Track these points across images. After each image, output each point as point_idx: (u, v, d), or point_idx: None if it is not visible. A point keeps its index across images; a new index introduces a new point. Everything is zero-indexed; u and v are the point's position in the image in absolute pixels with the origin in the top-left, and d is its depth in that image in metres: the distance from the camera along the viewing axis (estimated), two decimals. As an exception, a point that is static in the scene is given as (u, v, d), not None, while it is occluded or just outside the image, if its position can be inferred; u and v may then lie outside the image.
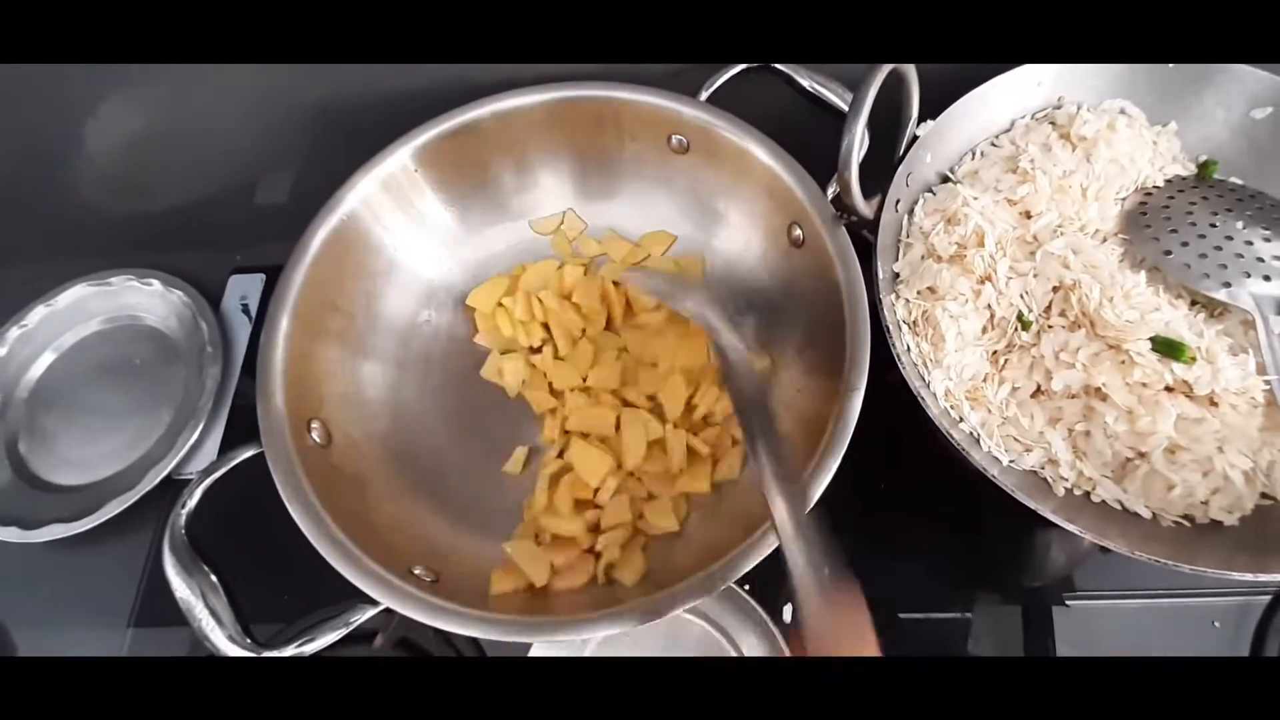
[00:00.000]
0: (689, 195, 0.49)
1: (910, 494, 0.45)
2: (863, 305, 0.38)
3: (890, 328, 0.38)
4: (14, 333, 0.57)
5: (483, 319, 0.49)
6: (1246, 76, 0.42)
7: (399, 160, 0.44)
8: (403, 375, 0.46)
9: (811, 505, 0.33)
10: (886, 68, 0.37)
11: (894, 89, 0.41)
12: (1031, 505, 0.32)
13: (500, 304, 0.48)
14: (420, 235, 0.48)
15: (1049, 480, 0.37)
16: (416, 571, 0.36)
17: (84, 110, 0.54)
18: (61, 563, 0.50)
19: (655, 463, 0.42)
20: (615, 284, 0.49)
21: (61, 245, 0.59)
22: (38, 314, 0.57)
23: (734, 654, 0.39)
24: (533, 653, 0.39)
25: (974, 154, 0.46)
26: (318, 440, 0.39)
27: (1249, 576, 0.31)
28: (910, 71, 0.40)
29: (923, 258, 0.41)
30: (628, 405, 0.45)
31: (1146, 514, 0.35)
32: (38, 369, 0.58)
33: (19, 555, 0.48)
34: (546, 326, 0.47)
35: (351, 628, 0.33)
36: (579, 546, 0.40)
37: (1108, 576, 0.42)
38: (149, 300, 0.59)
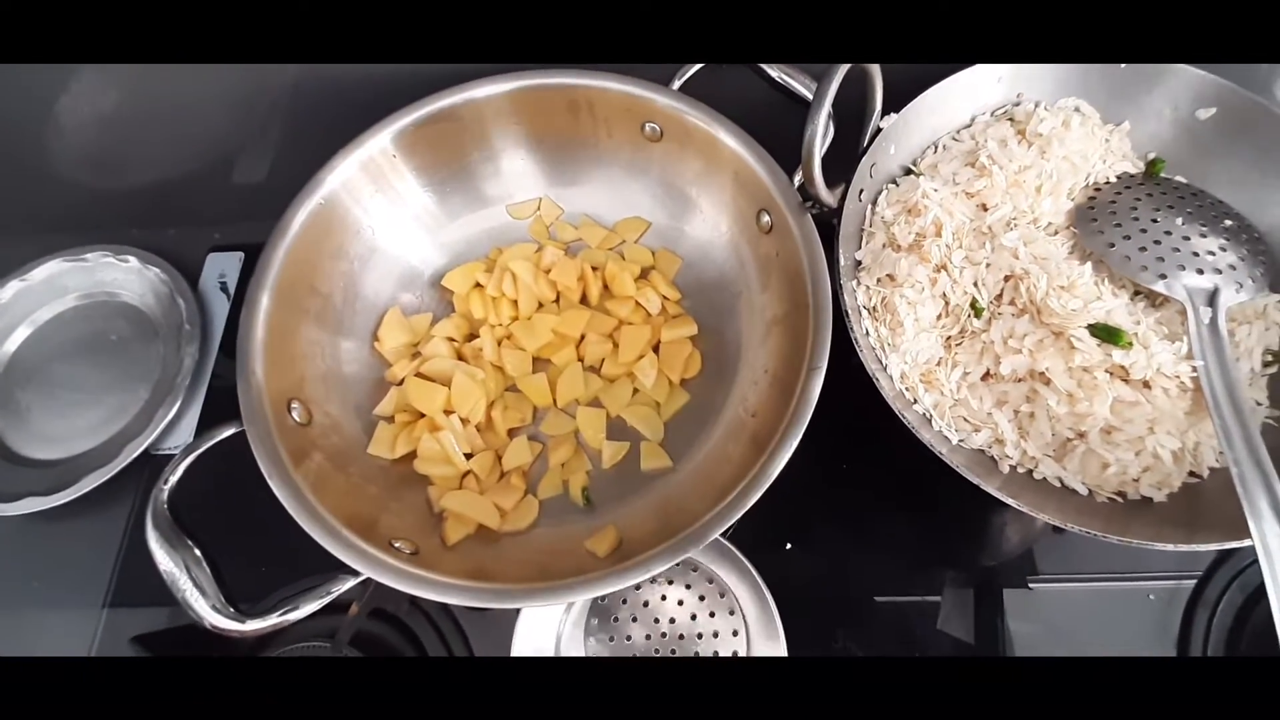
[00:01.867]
0: (662, 182, 0.50)
1: (873, 474, 0.48)
2: (826, 290, 0.39)
3: (850, 312, 0.40)
4: (-13, 307, 0.56)
5: (459, 300, 0.50)
6: (1192, 78, 0.45)
7: (379, 144, 0.45)
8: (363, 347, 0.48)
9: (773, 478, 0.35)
10: (840, 73, 0.38)
11: (859, 82, 0.43)
12: (977, 482, 0.35)
13: (477, 284, 0.49)
14: (399, 218, 0.49)
15: (995, 459, 0.39)
16: (397, 545, 0.37)
17: (57, 85, 0.53)
18: (37, 536, 0.50)
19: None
20: (593, 267, 0.50)
21: (37, 221, 0.59)
22: (11, 288, 0.57)
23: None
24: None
25: (935, 147, 0.48)
26: (298, 420, 0.40)
27: (1176, 547, 0.33)
28: (874, 67, 0.42)
29: (883, 246, 0.43)
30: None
31: (1083, 490, 0.38)
32: (12, 344, 0.57)
33: (-8, 528, 0.48)
34: (516, 305, 0.49)
35: (332, 597, 0.34)
36: (519, 489, 0.43)
37: (1065, 559, 0.45)
38: (125, 277, 0.59)
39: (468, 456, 0.44)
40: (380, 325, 0.48)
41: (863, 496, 0.47)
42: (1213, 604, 0.43)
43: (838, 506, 0.47)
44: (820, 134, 0.38)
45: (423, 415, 0.44)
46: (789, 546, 0.46)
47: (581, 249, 0.52)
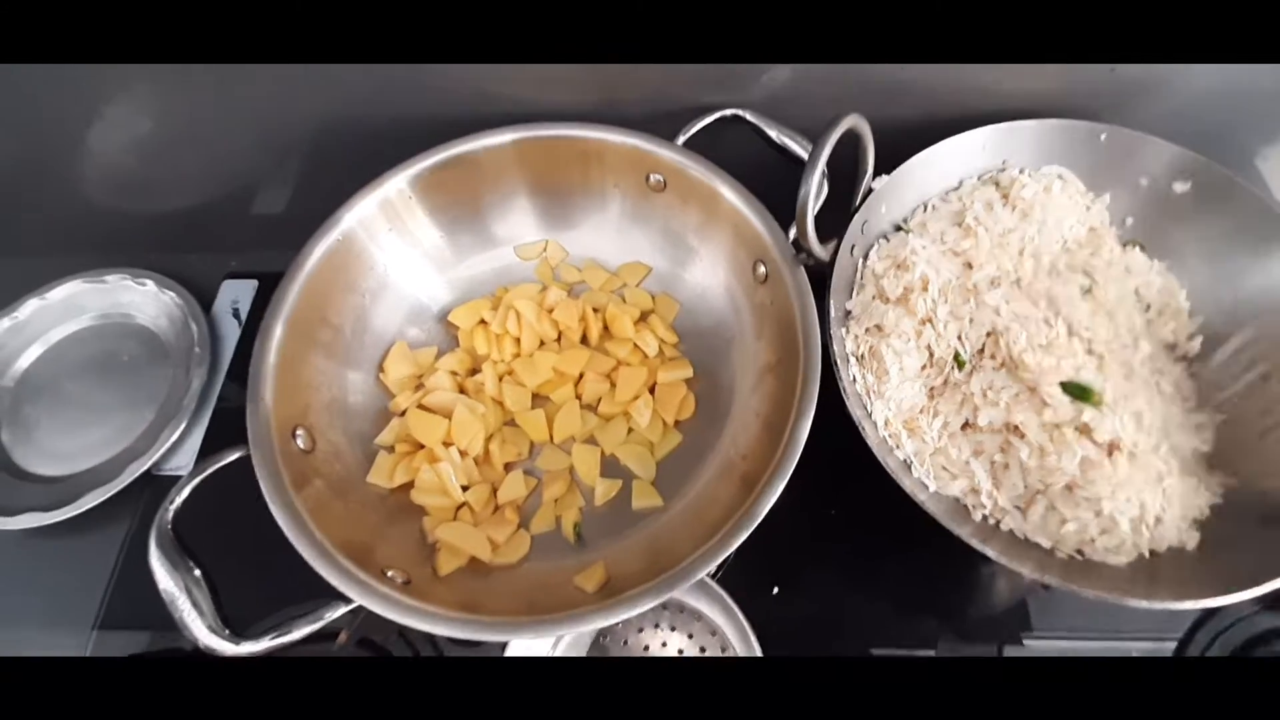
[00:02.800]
0: (664, 230, 0.52)
1: (859, 519, 0.48)
2: (816, 340, 0.41)
3: (839, 360, 0.42)
4: (4, 323, 0.58)
5: (464, 336, 0.51)
6: (1169, 151, 0.47)
7: (396, 185, 0.47)
8: (369, 378, 0.49)
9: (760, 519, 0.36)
10: (842, 126, 0.41)
11: (853, 145, 0.46)
12: (951, 528, 0.36)
13: (482, 320, 0.51)
14: (411, 255, 0.51)
15: (969, 507, 0.41)
16: (390, 574, 0.38)
17: (92, 111, 0.56)
18: (34, 552, 0.51)
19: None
20: (595, 309, 0.52)
21: (62, 242, 0.61)
22: (30, 306, 0.59)
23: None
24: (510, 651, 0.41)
25: (925, 207, 0.50)
26: (302, 446, 0.41)
27: (1137, 603, 0.34)
28: (865, 129, 0.44)
29: (873, 298, 0.45)
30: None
31: (1046, 544, 0.39)
32: (25, 360, 0.59)
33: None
34: (519, 342, 0.50)
35: (324, 623, 0.35)
36: (512, 523, 0.44)
37: (1059, 616, 0.45)
38: (142, 299, 0.61)
39: (464, 489, 0.45)
40: (386, 357, 0.49)
41: (849, 541, 0.48)
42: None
43: (824, 551, 0.47)
44: (814, 192, 0.40)
45: (422, 446, 0.46)
46: (775, 590, 0.46)
47: (584, 291, 0.54)
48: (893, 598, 0.47)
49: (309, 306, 0.44)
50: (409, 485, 0.45)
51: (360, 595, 0.35)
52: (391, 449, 0.46)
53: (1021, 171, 0.50)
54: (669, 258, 0.53)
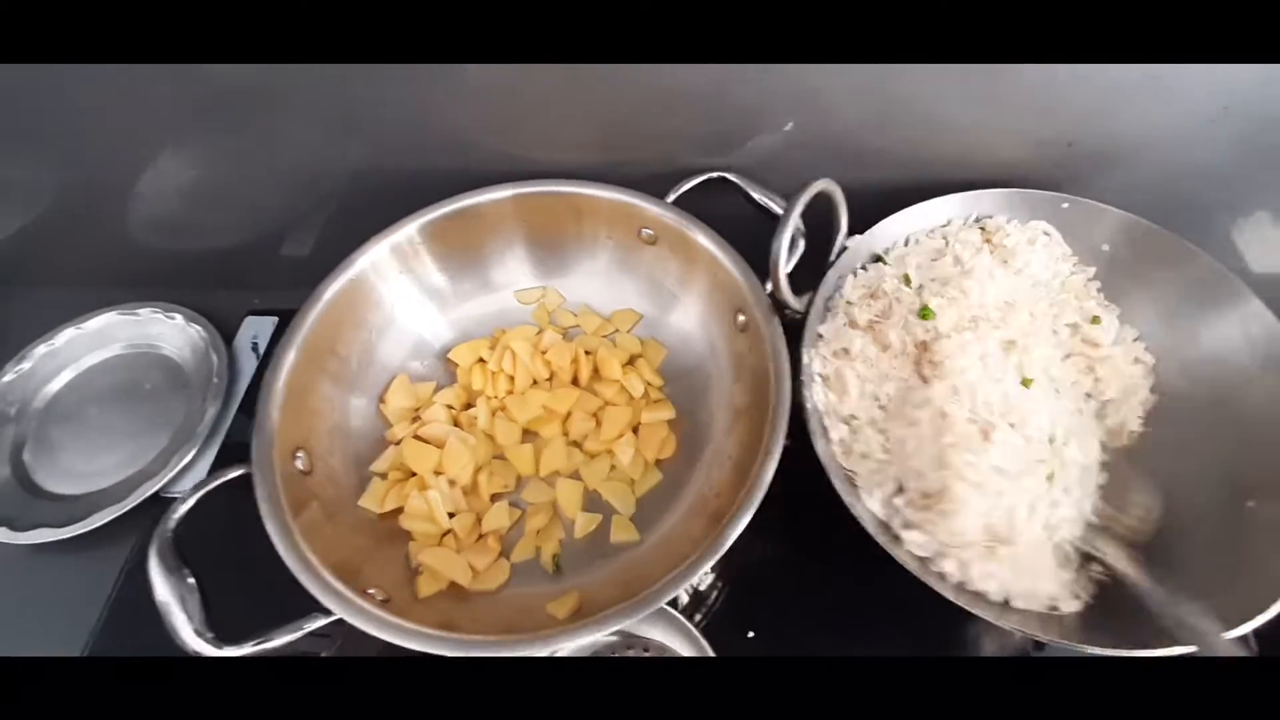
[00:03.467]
0: (652, 280, 0.56)
1: (833, 571, 0.50)
2: (786, 388, 0.43)
3: (805, 378, 0.45)
4: (41, 349, 0.63)
5: (462, 372, 0.54)
6: (1122, 220, 0.50)
7: (407, 233, 0.52)
8: (371, 407, 0.52)
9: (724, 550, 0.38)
10: (812, 190, 0.45)
11: (830, 207, 0.49)
12: (885, 547, 0.38)
13: (480, 359, 0.54)
14: (417, 296, 0.55)
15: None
16: (371, 591, 0.40)
17: (144, 159, 0.62)
18: (39, 567, 0.53)
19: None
20: (586, 352, 0.55)
21: (102, 275, 0.66)
22: (66, 335, 0.63)
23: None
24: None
25: (908, 240, 0.53)
26: (301, 468, 0.44)
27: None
28: (837, 192, 0.48)
29: (844, 324, 0.48)
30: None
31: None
32: (56, 384, 0.63)
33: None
34: (512, 380, 0.53)
35: (304, 632, 0.37)
36: (493, 551, 0.46)
37: None
38: (170, 331, 0.65)
39: (451, 516, 0.47)
40: (388, 389, 0.52)
41: (823, 590, 0.49)
42: None
43: (797, 598, 0.48)
44: (785, 248, 0.44)
45: (414, 474, 0.48)
46: (750, 635, 0.47)
47: (579, 334, 0.57)
48: (868, 643, 0.47)
49: (320, 338, 0.47)
50: (399, 511, 0.47)
51: (339, 608, 0.37)
52: (385, 476, 0.49)
53: (1009, 220, 0.52)
54: (657, 305, 0.57)
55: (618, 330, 0.57)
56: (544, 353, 0.54)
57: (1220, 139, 0.48)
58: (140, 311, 0.66)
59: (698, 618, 0.47)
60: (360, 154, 0.57)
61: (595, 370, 0.54)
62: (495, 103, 0.51)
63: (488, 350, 0.55)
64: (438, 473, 0.48)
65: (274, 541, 0.39)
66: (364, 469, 0.49)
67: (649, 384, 0.54)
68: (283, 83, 0.49)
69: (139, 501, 0.54)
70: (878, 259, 0.53)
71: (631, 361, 0.55)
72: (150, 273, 0.68)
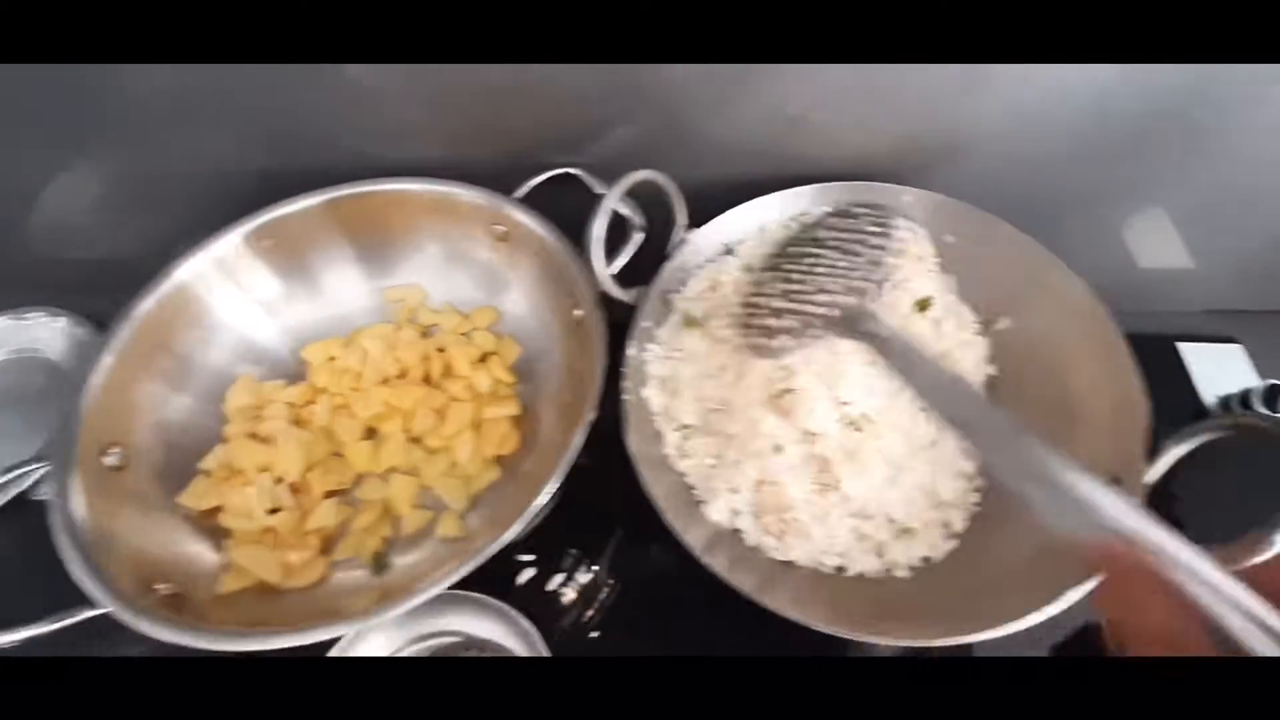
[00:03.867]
0: (507, 276, 0.56)
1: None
2: (597, 382, 0.43)
3: (632, 376, 0.45)
4: (-76, 357, 0.63)
5: (312, 371, 0.54)
6: (959, 208, 0.50)
7: (230, 241, 0.51)
8: (208, 408, 0.51)
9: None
10: (630, 179, 0.45)
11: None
12: (668, 522, 0.38)
13: (332, 357, 0.54)
14: (250, 302, 0.54)
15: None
16: (157, 586, 0.39)
17: (38, 164, 0.62)
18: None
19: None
20: (439, 349, 0.54)
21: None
22: (-48, 341, 0.64)
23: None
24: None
25: (762, 229, 0.52)
26: (113, 464, 0.44)
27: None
28: (669, 185, 0.48)
29: (678, 321, 0.48)
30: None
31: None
32: (-65, 394, 0.63)
33: None
34: (359, 377, 0.53)
35: (65, 623, 0.36)
36: (312, 548, 0.45)
37: None
38: (53, 335, 0.65)
39: (276, 512, 0.47)
40: (230, 388, 0.52)
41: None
42: None
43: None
44: (599, 237, 0.44)
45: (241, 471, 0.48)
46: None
47: (438, 331, 0.57)
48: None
49: (146, 339, 0.47)
50: (221, 509, 0.47)
51: (108, 601, 0.36)
52: (211, 473, 0.48)
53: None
54: (513, 301, 0.56)
55: (476, 328, 0.56)
56: (396, 350, 0.54)
57: (1054, 133, 0.48)
58: (28, 316, 0.66)
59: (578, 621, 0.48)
60: (227, 154, 0.57)
61: (448, 367, 0.54)
62: (349, 102, 0.51)
63: (341, 348, 0.54)
64: (265, 469, 0.47)
65: (53, 531, 0.38)
66: (193, 467, 0.49)
67: (498, 380, 0.53)
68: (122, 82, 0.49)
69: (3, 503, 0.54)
70: (729, 250, 0.52)
71: (484, 359, 0.54)
72: (46, 279, 0.68)
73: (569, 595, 0.50)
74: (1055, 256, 0.47)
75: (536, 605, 0.45)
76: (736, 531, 0.43)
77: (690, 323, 0.47)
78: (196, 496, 0.46)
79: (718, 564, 0.38)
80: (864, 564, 0.41)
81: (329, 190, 0.52)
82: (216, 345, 0.52)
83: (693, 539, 0.39)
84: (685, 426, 0.44)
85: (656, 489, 0.40)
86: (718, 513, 0.42)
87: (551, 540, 0.51)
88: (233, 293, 0.52)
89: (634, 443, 0.42)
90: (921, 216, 0.51)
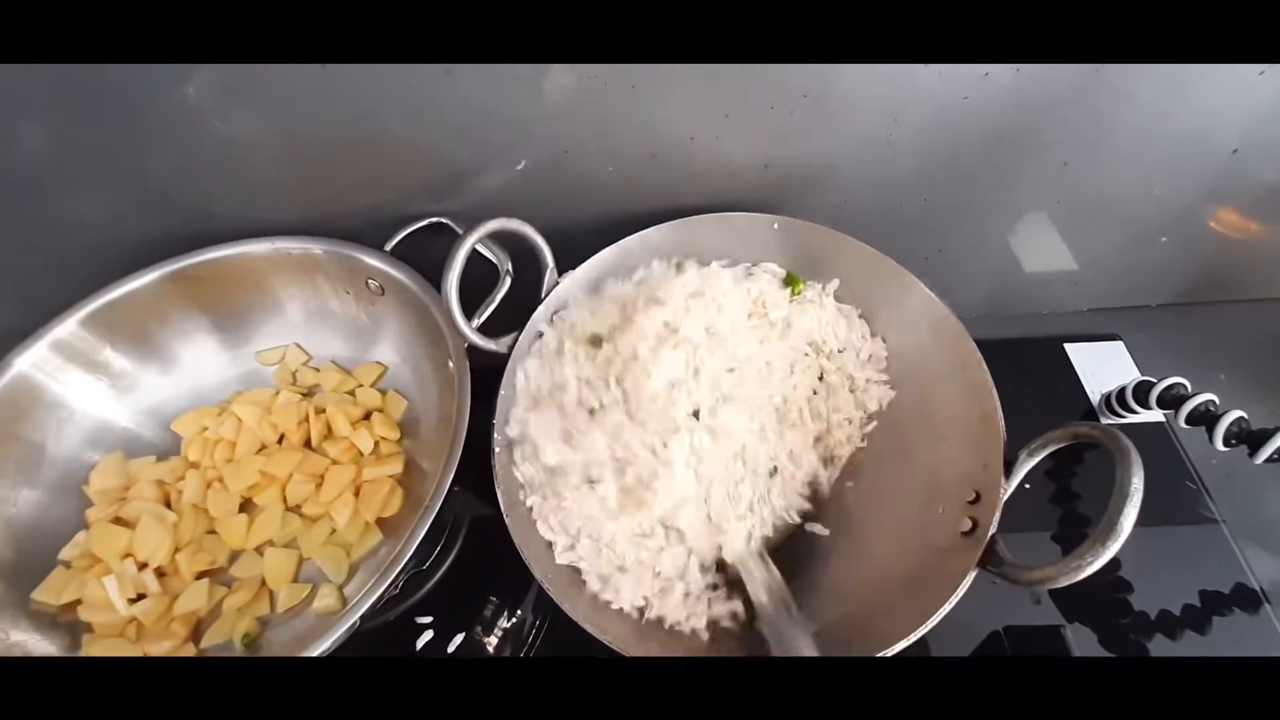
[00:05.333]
0: (387, 330, 0.55)
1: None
2: (461, 433, 0.42)
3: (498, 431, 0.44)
4: None
5: (185, 444, 0.52)
6: (824, 234, 0.50)
7: (68, 327, 0.49)
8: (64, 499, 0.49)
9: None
10: (485, 229, 0.44)
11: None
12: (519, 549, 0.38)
13: (204, 429, 0.52)
14: (102, 387, 0.52)
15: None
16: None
17: None
18: None
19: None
20: (320, 410, 0.53)
21: None
22: None
23: None
24: None
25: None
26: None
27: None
28: (529, 231, 0.48)
29: (542, 365, 0.47)
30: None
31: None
32: None
33: None
34: (234, 447, 0.51)
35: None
36: (178, 637, 0.43)
37: None
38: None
39: (142, 598, 0.44)
40: (95, 468, 0.50)
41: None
42: None
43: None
44: (453, 288, 0.43)
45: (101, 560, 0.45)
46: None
47: (320, 392, 0.55)
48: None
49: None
50: (79, 603, 0.44)
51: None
52: (70, 564, 0.46)
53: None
54: (399, 354, 0.55)
55: (360, 385, 0.55)
56: (272, 415, 0.52)
57: (899, 148, 0.49)
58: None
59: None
60: (92, 219, 0.55)
61: (328, 429, 0.52)
62: (218, 162, 0.50)
63: (213, 418, 0.52)
64: (128, 555, 0.45)
65: None
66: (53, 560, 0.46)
67: (382, 438, 0.52)
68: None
69: None
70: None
71: (368, 416, 0.53)
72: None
73: (492, 644, 0.48)
74: (907, 271, 0.47)
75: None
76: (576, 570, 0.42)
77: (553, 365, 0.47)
78: (53, 591, 0.44)
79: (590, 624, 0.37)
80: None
81: (169, 262, 0.50)
82: (70, 432, 0.50)
83: (559, 595, 0.38)
84: (546, 470, 0.43)
85: (524, 545, 0.39)
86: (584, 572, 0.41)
87: (457, 597, 0.49)
88: (80, 377, 0.50)
89: (501, 496, 0.41)
90: (780, 241, 0.51)
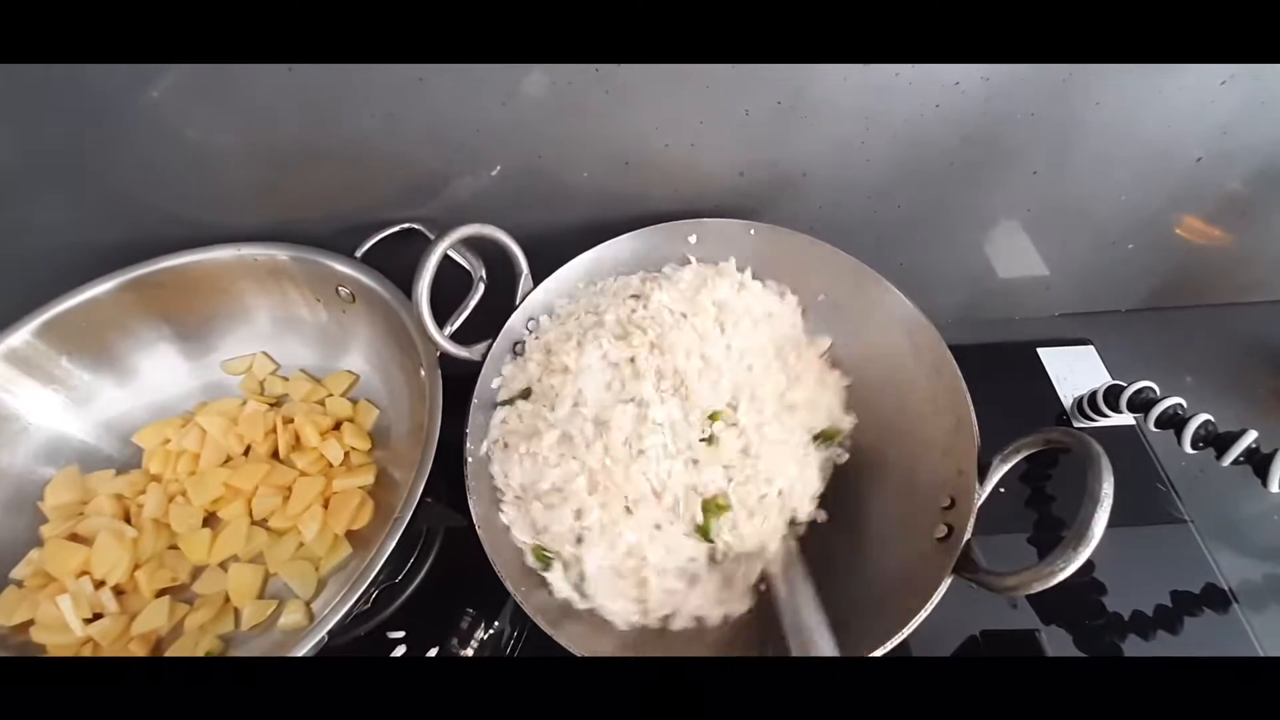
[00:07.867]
0: (358, 338, 0.54)
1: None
2: (432, 444, 0.41)
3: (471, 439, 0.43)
4: None
5: (147, 457, 0.50)
6: (800, 239, 0.50)
7: (21, 336, 0.47)
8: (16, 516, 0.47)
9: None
10: (456, 235, 0.44)
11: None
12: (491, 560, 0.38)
13: (166, 441, 0.51)
14: (58, 399, 0.50)
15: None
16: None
17: None
18: None
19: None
20: (288, 420, 0.52)
21: None
22: None
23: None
24: None
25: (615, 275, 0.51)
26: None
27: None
28: (503, 237, 0.47)
29: (519, 373, 0.46)
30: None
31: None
32: None
33: None
34: (197, 459, 0.49)
35: None
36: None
37: None
38: None
39: (97, 618, 0.43)
40: (50, 483, 0.48)
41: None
42: None
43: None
44: (424, 295, 0.42)
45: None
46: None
47: (289, 402, 0.54)
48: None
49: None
50: (32, 623, 0.42)
51: None
52: (23, 583, 0.44)
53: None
54: (370, 363, 0.54)
55: (330, 394, 0.54)
56: (238, 426, 0.51)
57: (873, 156, 0.49)
58: None
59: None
60: (57, 225, 0.53)
61: (297, 439, 0.51)
62: (186, 167, 0.48)
63: (176, 430, 0.51)
64: (84, 573, 0.44)
65: None
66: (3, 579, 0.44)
67: (352, 449, 0.50)
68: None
69: None
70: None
71: (338, 426, 0.52)
72: None
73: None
74: (882, 277, 0.47)
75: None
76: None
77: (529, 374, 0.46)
78: (4, 612, 0.42)
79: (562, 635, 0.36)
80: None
81: (130, 269, 0.49)
82: (24, 446, 0.48)
83: (532, 607, 0.37)
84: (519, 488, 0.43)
85: (496, 556, 0.39)
86: (556, 580, 0.40)
87: (430, 610, 0.48)
88: (34, 389, 0.48)
89: (474, 506, 0.41)
90: (755, 247, 0.51)
